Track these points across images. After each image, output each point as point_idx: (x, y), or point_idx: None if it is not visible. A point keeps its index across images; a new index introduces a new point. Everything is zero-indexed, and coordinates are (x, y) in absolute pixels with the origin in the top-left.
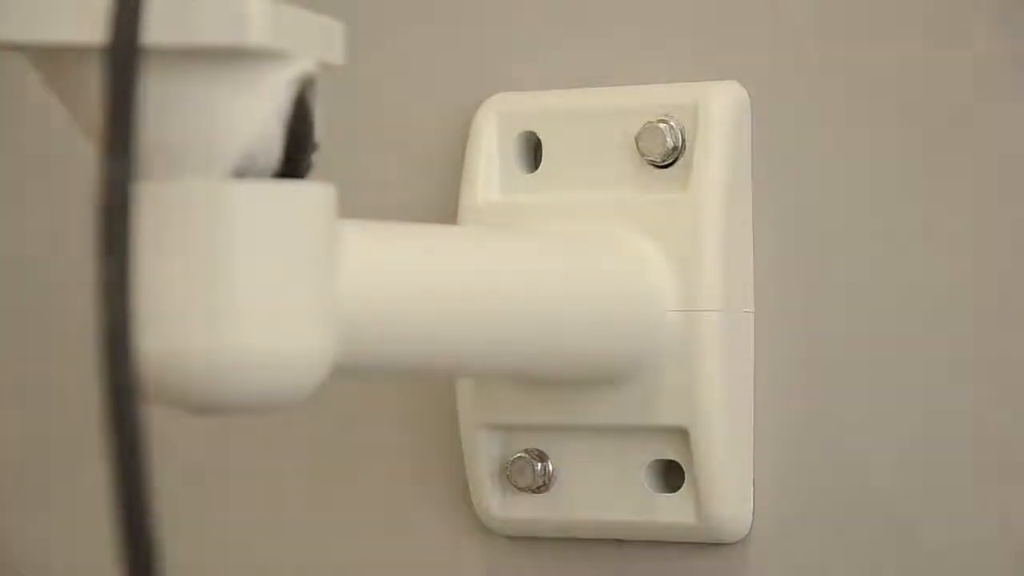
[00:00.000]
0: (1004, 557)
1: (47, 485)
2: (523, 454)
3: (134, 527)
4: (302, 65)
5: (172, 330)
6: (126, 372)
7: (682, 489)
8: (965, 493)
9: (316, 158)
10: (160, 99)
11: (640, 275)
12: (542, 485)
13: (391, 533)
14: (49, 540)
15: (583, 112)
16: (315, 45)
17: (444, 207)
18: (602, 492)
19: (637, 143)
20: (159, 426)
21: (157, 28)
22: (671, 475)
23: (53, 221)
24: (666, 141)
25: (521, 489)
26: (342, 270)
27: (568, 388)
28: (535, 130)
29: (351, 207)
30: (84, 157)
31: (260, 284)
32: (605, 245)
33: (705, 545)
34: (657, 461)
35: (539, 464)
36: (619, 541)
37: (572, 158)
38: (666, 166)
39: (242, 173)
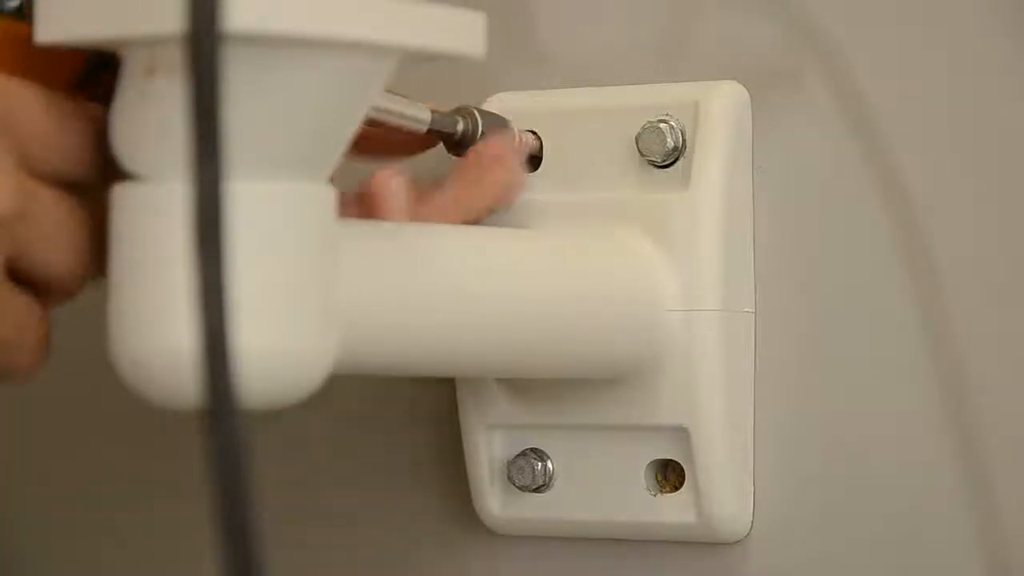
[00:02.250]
0: (1004, 556)
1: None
2: (523, 454)
3: (235, 533)
4: None
5: (170, 329)
6: (226, 377)
7: (682, 489)
8: (965, 493)
9: None
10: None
11: (640, 275)
12: (542, 485)
13: (391, 533)
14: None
15: (583, 112)
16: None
17: None
18: (602, 492)
19: (637, 143)
20: (157, 426)
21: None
22: (671, 475)
23: None
24: (666, 141)
25: (521, 489)
26: (342, 270)
27: (568, 388)
28: (535, 130)
29: None
30: None
31: (260, 284)
32: (605, 245)
33: (705, 545)
34: (657, 461)
35: (539, 464)
36: (619, 541)
37: (572, 158)
38: (666, 166)
39: None
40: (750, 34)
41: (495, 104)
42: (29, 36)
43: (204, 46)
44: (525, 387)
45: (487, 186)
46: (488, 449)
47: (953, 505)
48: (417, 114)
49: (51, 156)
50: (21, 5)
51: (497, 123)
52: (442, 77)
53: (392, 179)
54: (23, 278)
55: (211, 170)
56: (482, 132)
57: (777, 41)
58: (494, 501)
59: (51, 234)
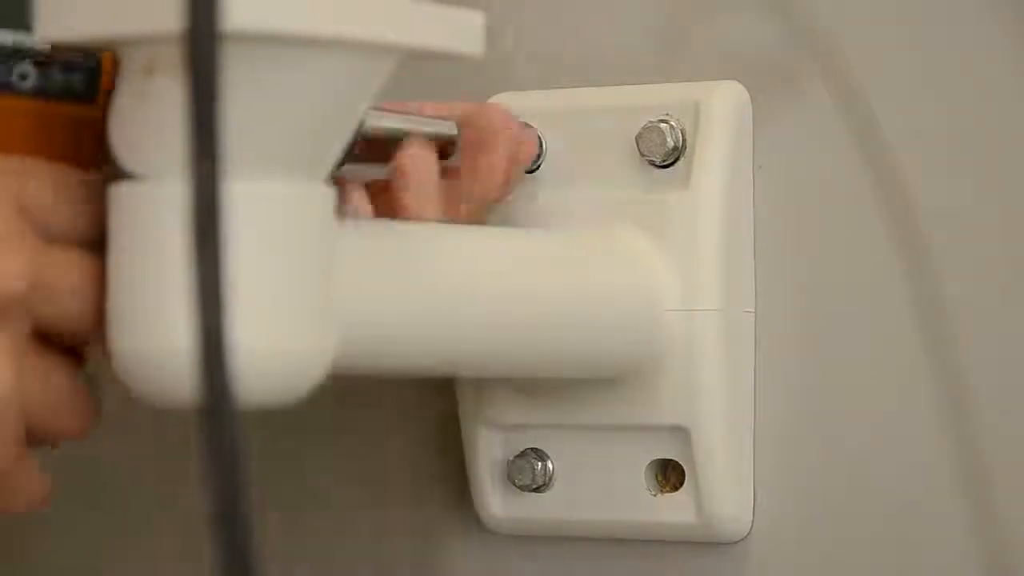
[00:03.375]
0: (1003, 556)
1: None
2: (523, 454)
3: (231, 532)
4: None
5: (168, 328)
6: (223, 376)
7: (682, 489)
8: (964, 493)
9: None
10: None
11: (640, 275)
12: (542, 485)
13: (391, 533)
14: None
15: (583, 112)
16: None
17: None
18: (602, 492)
19: (637, 143)
20: (155, 426)
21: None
22: (671, 475)
23: None
24: (666, 141)
25: (521, 489)
26: (341, 270)
27: (568, 388)
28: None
29: None
30: None
31: (258, 283)
32: (605, 245)
33: (705, 545)
34: (657, 461)
35: (539, 464)
36: (619, 541)
37: (572, 158)
38: (666, 166)
39: None
40: (750, 34)
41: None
42: (46, 114)
43: (202, 45)
44: (525, 387)
45: (484, 171)
46: (488, 449)
47: (953, 505)
48: (444, 131)
49: (63, 224)
50: (40, 85)
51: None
52: (442, 77)
53: (420, 155)
54: (51, 340)
55: (209, 169)
56: None
57: (777, 41)
58: (494, 501)
59: (70, 293)
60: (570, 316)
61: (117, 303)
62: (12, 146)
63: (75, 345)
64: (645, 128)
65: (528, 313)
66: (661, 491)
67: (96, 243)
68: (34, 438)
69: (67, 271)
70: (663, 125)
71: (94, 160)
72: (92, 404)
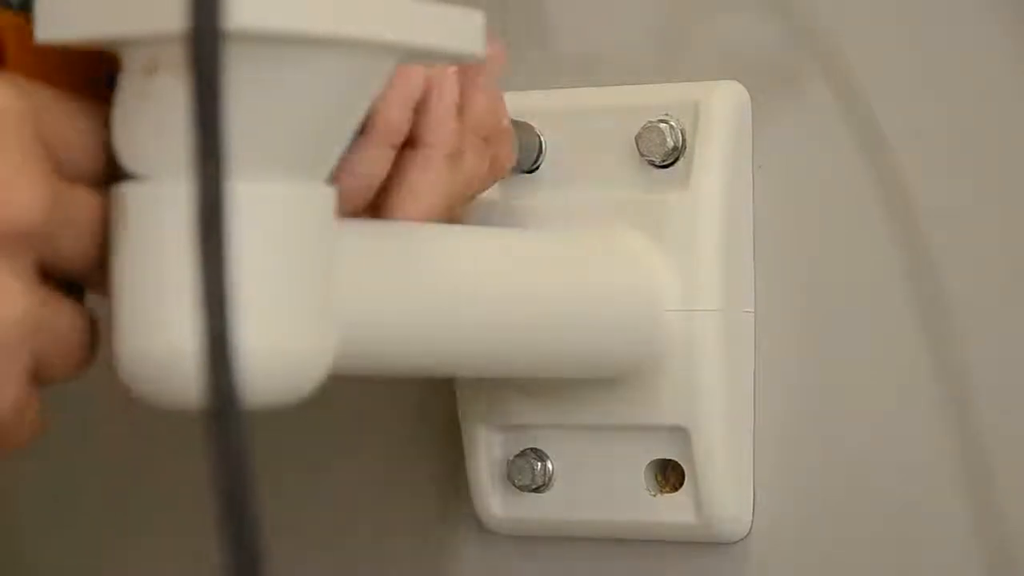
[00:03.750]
0: (1003, 556)
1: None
2: (523, 454)
3: (238, 533)
4: None
5: (173, 330)
6: (229, 378)
7: (682, 489)
8: (965, 493)
9: None
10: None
11: (640, 275)
12: (542, 485)
13: (391, 533)
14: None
15: (583, 112)
16: None
17: None
18: (602, 492)
19: (637, 143)
20: (153, 426)
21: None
22: (671, 475)
23: None
24: (666, 141)
25: (521, 489)
26: (340, 270)
27: (568, 388)
28: (536, 129)
29: None
30: None
31: (260, 284)
32: (604, 245)
33: (705, 545)
34: (657, 461)
35: (539, 464)
36: (619, 541)
37: (572, 158)
38: (666, 166)
39: None
40: (750, 34)
41: None
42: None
43: (206, 44)
44: (525, 387)
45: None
46: (488, 449)
47: (953, 505)
48: None
49: (76, 156)
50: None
51: (525, 131)
52: None
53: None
54: (56, 278)
55: (213, 169)
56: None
57: (777, 41)
58: (494, 501)
59: (82, 231)
60: (570, 316)
61: (120, 304)
62: (26, 70)
63: (73, 282)
64: (645, 128)
65: (528, 313)
66: (661, 491)
67: (97, 179)
68: (34, 373)
69: (78, 206)
70: (663, 125)
71: (89, 86)
72: (91, 343)
